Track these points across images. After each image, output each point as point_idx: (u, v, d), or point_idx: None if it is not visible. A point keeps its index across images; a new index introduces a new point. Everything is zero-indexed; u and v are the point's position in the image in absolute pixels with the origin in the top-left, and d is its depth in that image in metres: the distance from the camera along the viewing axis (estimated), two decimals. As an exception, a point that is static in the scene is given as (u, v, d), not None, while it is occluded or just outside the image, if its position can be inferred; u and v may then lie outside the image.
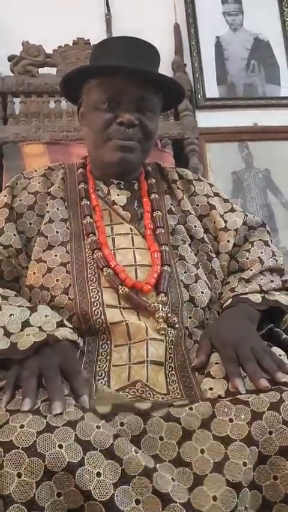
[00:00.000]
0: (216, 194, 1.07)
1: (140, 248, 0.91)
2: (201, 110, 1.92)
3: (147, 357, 0.77)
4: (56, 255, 0.89)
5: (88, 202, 0.96)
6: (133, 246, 0.91)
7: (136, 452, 0.58)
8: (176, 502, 0.56)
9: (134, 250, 0.90)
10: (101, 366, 0.79)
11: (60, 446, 0.56)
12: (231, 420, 0.62)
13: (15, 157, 1.64)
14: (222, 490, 0.57)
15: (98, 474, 0.56)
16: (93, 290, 0.84)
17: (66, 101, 1.78)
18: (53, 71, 1.81)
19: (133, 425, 0.63)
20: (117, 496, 0.55)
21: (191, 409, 0.64)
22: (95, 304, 0.82)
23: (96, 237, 0.91)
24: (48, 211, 0.95)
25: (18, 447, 0.55)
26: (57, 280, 0.86)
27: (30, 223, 0.95)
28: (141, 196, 1.00)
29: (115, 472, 0.56)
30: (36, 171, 1.05)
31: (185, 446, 0.62)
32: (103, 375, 0.77)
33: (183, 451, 0.62)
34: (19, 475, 0.54)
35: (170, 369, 0.78)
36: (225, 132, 1.88)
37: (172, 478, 0.59)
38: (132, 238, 0.92)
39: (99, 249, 0.88)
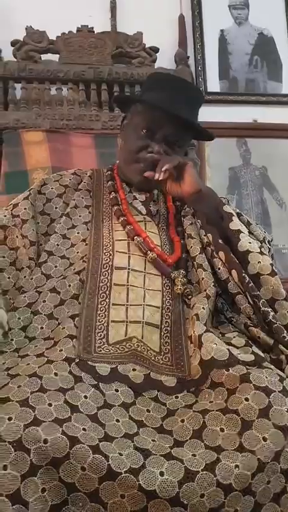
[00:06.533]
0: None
1: (151, 232, 1.05)
2: (201, 104, 1.92)
3: (143, 318, 0.87)
4: (78, 233, 1.05)
5: (116, 195, 1.11)
6: (145, 229, 1.04)
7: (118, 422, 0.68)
8: (156, 455, 0.64)
9: (146, 232, 1.04)
10: (100, 320, 0.86)
11: (46, 441, 0.60)
12: (210, 402, 0.72)
13: (15, 143, 1.65)
14: (201, 451, 0.66)
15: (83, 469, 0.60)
16: (106, 253, 0.97)
17: (67, 89, 1.79)
18: (55, 57, 1.80)
19: (126, 394, 0.73)
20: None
21: (176, 397, 0.76)
22: (105, 267, 0.94)
23: (127, 218, 1.06)
24: (74, 199, 1.11)
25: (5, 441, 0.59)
26: (78, 252, 1.01)
27: (56, 208, 1.10)
28: (159, 201, 1.15)
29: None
30: (67, 171, 1.22)
31: (167, 420, 0.72)
32: (102, 328, 0.85)
33: (166, 423, 0.72)
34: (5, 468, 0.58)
35: (166, 331, 0.87)
36: (224, 128, 1.88)
37: (153, 440, 0.67)
38: (145, 224, 1.07)
39: (131, 224, 1.04)
